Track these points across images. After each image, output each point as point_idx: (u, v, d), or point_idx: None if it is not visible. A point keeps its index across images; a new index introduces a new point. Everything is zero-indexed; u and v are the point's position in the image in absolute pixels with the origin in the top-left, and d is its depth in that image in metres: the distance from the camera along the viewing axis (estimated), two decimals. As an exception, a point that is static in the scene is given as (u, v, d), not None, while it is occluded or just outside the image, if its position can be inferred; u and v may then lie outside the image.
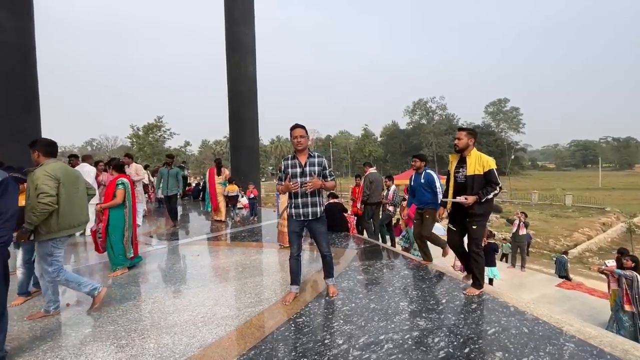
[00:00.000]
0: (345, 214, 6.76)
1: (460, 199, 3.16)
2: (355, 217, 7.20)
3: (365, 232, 6.82)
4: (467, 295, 3.14)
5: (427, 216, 4.16)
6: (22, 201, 2.80)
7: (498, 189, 3.09)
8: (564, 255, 11.37)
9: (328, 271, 3.25)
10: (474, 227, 3.20)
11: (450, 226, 3.41)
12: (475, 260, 3.24)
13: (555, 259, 12.02)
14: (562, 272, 10.64)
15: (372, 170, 6.58)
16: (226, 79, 11.79)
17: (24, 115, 5.56)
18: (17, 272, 3.29)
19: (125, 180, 4.26)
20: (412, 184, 4.45)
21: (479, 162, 3.14)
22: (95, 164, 6.66)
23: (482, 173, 3.11)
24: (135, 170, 7.72)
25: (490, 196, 3.08)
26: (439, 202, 3.96)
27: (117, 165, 4.58)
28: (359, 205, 6.95)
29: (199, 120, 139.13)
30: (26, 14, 5.72)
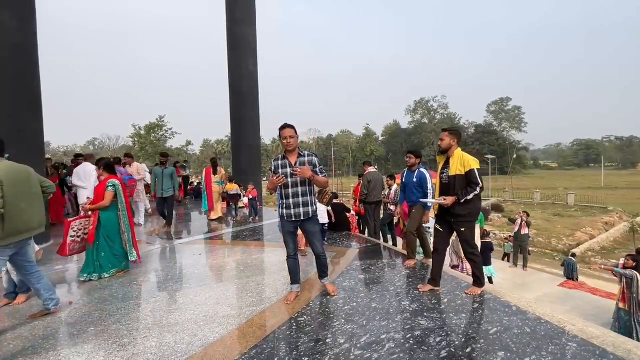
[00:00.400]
0: (348, 214, 6.77)
1: (439, 199, 3.17)
2: (357, 217, 7.21)
3: (366, 232, 6.81)
4: (469, 294, 3.13)
5: (414, 211, 4.22)
6: None
7: (478, 189, 3.06)
8: (572, 258, 11.21)
9: (323, 271, 3.23)
10: (462, 229, 3.18)
11: (437, 227, 3.40)
12: (473, 261, 3.24)
13: (563, 261, 11.90)
14: (571, 275, 10.48)
15: (372, 169, 6.57)
16: (227, 78, 11.79)
17: (27, 115, 5.56)
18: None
19: (116, 181, 4.04)
20: (403, 180, 4.45)
21: (460, 162, 3.13)
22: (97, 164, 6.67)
23: (463, 173, 3.10)
24: (137, 169, 7.72)
25: (470, 197, 3.05)
26: (426, 204, 3.97)
27: (107, 164, 4.19)
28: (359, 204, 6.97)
29: (200, 120, 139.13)
30: (29, 14, 5.73)
